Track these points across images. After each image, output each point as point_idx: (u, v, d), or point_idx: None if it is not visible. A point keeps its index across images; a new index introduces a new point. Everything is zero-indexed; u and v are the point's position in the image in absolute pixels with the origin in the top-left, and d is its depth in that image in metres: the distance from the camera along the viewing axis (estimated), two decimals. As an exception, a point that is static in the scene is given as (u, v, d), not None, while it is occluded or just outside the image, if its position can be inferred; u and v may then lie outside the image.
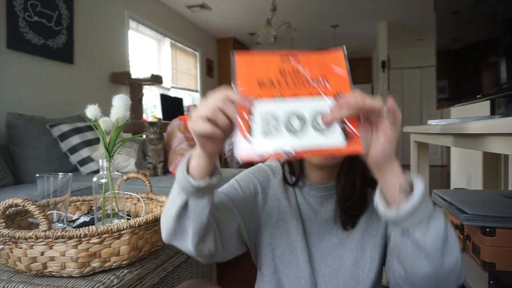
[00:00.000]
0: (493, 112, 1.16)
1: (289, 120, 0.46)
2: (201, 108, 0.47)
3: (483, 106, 1.57)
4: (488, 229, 0.96)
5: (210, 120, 0.46)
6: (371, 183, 0.75)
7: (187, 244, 0.60)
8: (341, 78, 0.50)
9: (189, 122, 0.48)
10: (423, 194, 0.49)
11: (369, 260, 0.71)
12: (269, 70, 0.49)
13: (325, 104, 0.47)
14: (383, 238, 0.72)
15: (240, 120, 0.45)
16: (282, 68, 0.49)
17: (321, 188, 0.77)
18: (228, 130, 0.47)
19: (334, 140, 0.46)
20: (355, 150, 0.46)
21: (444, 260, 0.50)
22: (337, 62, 0.51)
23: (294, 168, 0.81)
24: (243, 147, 0.44)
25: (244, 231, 0.73)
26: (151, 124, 2.16)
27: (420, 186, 0.49)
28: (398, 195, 0.49)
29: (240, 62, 0.49)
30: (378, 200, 0.52)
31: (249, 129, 0.45)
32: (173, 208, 0.57)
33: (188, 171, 0.55)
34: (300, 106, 0.47)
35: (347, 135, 0.46)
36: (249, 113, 0.46)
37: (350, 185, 0.74)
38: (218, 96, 0.47)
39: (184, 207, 0.56)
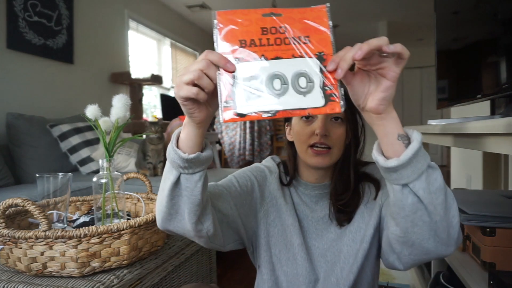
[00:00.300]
0: (493, 112, 1.16)
1: (271, 81, 0.47)
2: (184, 73, 0.47)
3: (483, 106, 1.57)
4: (488, 229, 0.96)
5: (195, 84, 0.47)
6: (362, 178, 0.77)
7: (184, 224, 0.59)
8: (324, 36, 0.50)
9: (174, 89, 0.49)
10: (421, 142, 0.49)
11: (367, 249, 0.71)
12: (251, 28, 0.49)
13: (307, 65, 0.48)
14: (378, 223, 0.72)
15: (223, 82, 0.46)
16: (264, 26, 0.49)
17: (316, 187, 0.79)
18: (213, 93, 0.48)
19: (314, 101, 0.47)
20: (333, 109, 0.47)
21: (447, 212, 0.51)
22: (319, 19, 0.50)
23: (289, 167, 0.82)
24: (226, 109, 0.45)
25: (241, 226, 0.73)
26: (152, 123, 2.16)
27: (417, 135, 0.50)
28: (397, 144, 0.50)
29: (222, 21, 0.49)
30: (376, 153, 0.52)
31: (231, 91, 0.46)
32: (166, 187, 0.57)
33: (178, 146, 0.55)
34: (281, 67, 0.47)
35: (326, 96, 0.47)
36: (231, 76, 0.47)
37: (343, 183, 0.75)
38: (201, 61, 0.47)
39: (176, 184, 0.56)
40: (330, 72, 0.48)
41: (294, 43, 0.49)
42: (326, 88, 0.48)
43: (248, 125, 4.59)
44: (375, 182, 0.76)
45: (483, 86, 1.08)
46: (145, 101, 3.98)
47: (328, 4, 0.51)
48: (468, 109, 2.25)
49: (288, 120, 0.81)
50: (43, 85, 2.60)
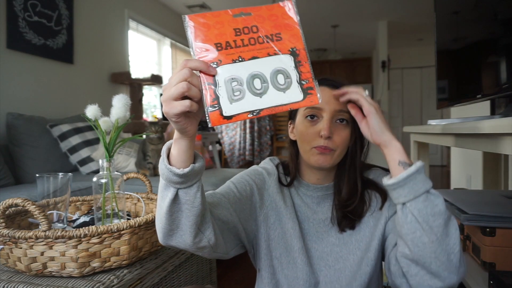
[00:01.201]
0: (493, 112, 1.16)
1: (252, 82, 0.48)
2: (170, 89, 0.46)
3: (483, 106, 1.57)
4: (488, 229, 0.96)
5: (184, 97, 0.46)
6: (369, 185, 0.76)
7: (185, 239, 0.59)
8: (294, 31, 0.52)
9: (164, 107, 0.48)
10: (419, 168, 0.57)
11: (372, 258, 0.71)
12: (225, 31, 0.50)
13: (282, 62, 0.50)
14: (382, 235, 0.73)
15: (205, 87, 0.47)
16: (236, 27, 0.50)
17: (318, 188, 0.78)
18: (200, 100, 0.48)
19: (293, 96, 0.49)
20: (312, 101, 0.50)
21: (447, 238, 0.56)
22: (287, 15, 0.52)
23: (288, 169, 0.81)
24: (212, 113, 0.47)
25: (242, 231, 0.73)
26: (152, 123, 2.16)
27: (418, 163, 0.58)
28: (398, 168, 0.59)
29: (195, 26, 0.49)
30: (385, 178, 0.61)
31: (214, 95, 0.47)
32: (164, 205, 0.56)
33: (170, 163, 0.54)
34: (259, 66, 0.49)
35: (304, 90, 0.50)
36: (213, 80, 0.48)
37: (349, 188, 0.74)
38: (182, 71, 0.46)
39: (175, 200, 0.55)
40: (304, 66, 0.50)
41: (267, 41, 0.50)
42: (303, 82, 0.50)
43: (248, 125, 4.59)
44: (382, 192, 0.75)
45: (483, 86, 1.08)
46: (145, 101, 3.98)
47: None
48: (468, 109, 2.25)
49: (291, 118, 0.80)
50: (43, 85, 2.59)
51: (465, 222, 0.99)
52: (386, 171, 0.77)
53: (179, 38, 4.75)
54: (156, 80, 3.45)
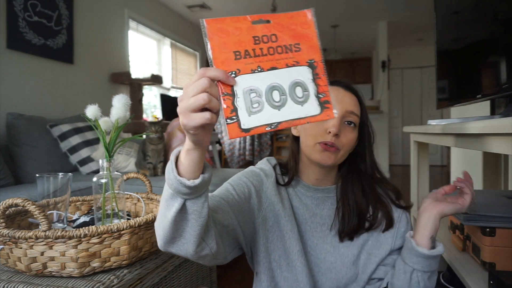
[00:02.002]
0: (493, 112, 1.16)
1: (270, 93, 0.47)
2: (189, 99, 0.43)
3: (483, 106, 1.56)
4: (488, 229, 0.96)
5: (205, 109, 0.43)
6: (378, 203, 0.75)
7: (187, 248, 0.56)
8: (312, 42, 0.51)
9: (181, 119, 0.45)
10: (442, 252, 0.69)
11: (365, 280, 0.73)
12: (243, 38, 0.48)
13: (300, 74, 0.49)
14: (382, 260, 0.74)
15: (223, 98, 0.45)
16: (255, 35, 0.49)
17: (318, 190, 0.77)
18: (218, 111, 0.46)
19: (311, 109, 0.48)
20: (328, 116, 0.49)
21: None
22: (307, 25, 0.51)
23: (287, 168, 0.80)
24: (230, 126, 0.45)
25: (241, 234, 0.71)
26: (152, 123, 2.15)
27: (442, 247, 0.69)
28: (427, 240, 0.68)
29: (213, 31, 0.47)
30: (408, 235, 0.70)
31: (233, 106, 0.45)
32: (170, 214, 0.53)
33: (179, 173, 0.51)
34: (278, 78, 0.48)
35: (321, 103, 0.49)
36: (231, 90, 0.46)
37: (358, 202, 0.74)
38: (201, 81, 0.43)
39: (182, 210, 0.52)
40: (322, 79, 0.49)
41: (286, 52, 0.49)
42: (320, 95, 0.49)
43: (248, 125, 4.58)
44: (389, 219, 0.75)
45: (483, 86, 1.08)
46: (145, 101, 3.98)
47: (313, 8, 0.52)
48: (468, 109, 2.24)
49: None
50: (43, 85, 2.60)
51: (465, 222, 0.99)
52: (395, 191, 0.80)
53: (179, 38, 4.75)
54: (156, 80, 3.45)
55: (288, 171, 0.80)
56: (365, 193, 0.75)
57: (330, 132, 0.69)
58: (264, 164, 0.83)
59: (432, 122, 1.26)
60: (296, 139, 0.79)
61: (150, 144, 2.12)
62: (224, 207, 0.68)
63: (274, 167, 0.82)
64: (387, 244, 0.74)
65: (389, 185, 0.80)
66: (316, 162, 0.73)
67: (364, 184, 0.75)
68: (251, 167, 0.83)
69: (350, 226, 0.73)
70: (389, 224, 0.74)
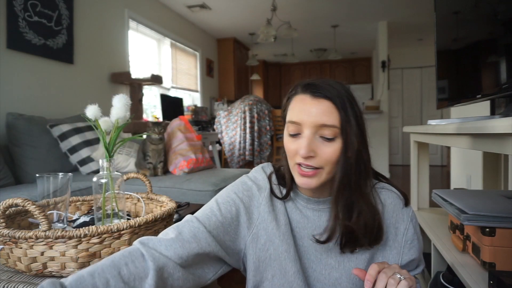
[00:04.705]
0: (493, 112, 1.16)
1: None
2: None
3: (483, 106, 1.57)
4: (488, 229, 0.96)
5: None
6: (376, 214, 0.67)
7: None
8: None
9: None
10: None
11: None
12: None
13: None
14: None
15: None
16: None
17: (319, 201, 0.71)
18: None
19: None
20: None
21: None
22: None
23: (285, 179, 0.73)
24: None
25: (226, 255, 0.67)
26: (155, 124, 2.16)
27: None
28: None
29: None
30: None
31: None
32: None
33: None
34: None
35: None
36: None
37: (347, 212, 0.65)
38: None
39: None
40: None
41: None
42: None
43: (248, 125, 4.58)
44: (378, 236, 0.67)
45: (483, 86, 1.08)
46: (145, 101, 3.98)
47: None
48: (468, 109, 2.25)
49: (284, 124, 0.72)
50: (43, 85, 2.60)
51: (465, 222, 0.99)
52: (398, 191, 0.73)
53: (179, 38, 4.75)
54: (156, 80, 3.46)
55: (286, 185, 0.73)
56: (355, 203, 0.66)
57: (300, 155, 0.62)
58: (259, 174, 0.76)
59: (432, 122, 1.26)
60: None
61: (150, 144, 2.12)
62: (201, 235, 0.63)
63: (269, 177, 0.75)
64: (393, 260, 0.69)
65: (396, 189, 0.73)
66: (299, 185, 0.66)
67: (359, 194, 0.66)
68: (244, 178, 0.76)
69: (348, 238, 0.67)
70: (377, 238, 0.67)
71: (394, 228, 0.70)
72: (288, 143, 0.66)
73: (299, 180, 0.65)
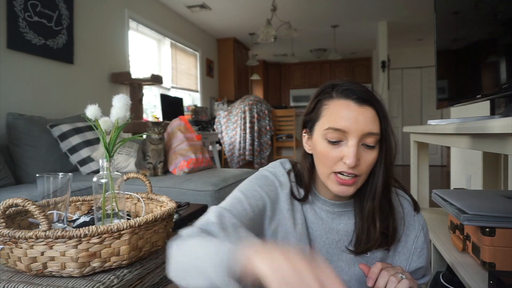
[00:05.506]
0: (493, 112, 1.16)
1: None
2: None
3: (483, 106, 1.56)
4: (488, 229, 0.96)
5: None
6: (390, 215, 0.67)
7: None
8: None
9: None
10: None
11: None
12: None
13: None
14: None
15: None
16: None
17: (336, 204, 0.71)
18: None
19: None
20: None
21: None
22: None
23: (301, 177, 0.72)
24: None
25: None
26: (155, 124, 2.15)
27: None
28: None
29: None
30: None
31: None
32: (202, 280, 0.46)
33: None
34: None
35: None
36: None
37: (369, 217, 0.67)
38: None
39: None
40: None
41: None
42: None
43: (248, 125, 4.58)
44: (393, 239, 0.68)
45: (483, 86, 1.08)
46: (145, 101, 3.98)
47: None
48: (468, 109, 2.25)
49: (307, 126, 0.70)
50: (43, 85, 2.60)
51: (465, 222, 0.99)
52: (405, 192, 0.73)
53: (179, 38, 4.75)
54: (156, 80, 3.46)
55: (304, 187, 0.72)
56: (383, 206, 0.67)
57: (346, 163, 0.61)
58: (278, 169, 0.74)
59: (432, 122, 1.26)
60: (309, 154, 0.71)
61: (150, 144, 2.12)
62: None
63: (288, 174, 0.74)
64: (401, 265, 0.69)
65: (407, 195, 0.73)
66: (334, 193, 0.65)
67: (382, 197, 0.66)
68: (264, 172, 0.74)
69: (368, 240, 0.67)
70: (391, 240, 0.68)
71: (405, 235, 0.70)
72: (328, 151, 0.63)
73: (336, 188, 0.63)
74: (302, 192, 0.72)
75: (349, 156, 0.60)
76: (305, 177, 0.71)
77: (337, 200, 0.70)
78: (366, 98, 0.62)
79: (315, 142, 0.66)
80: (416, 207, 0.72)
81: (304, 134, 0.72)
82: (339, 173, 0.62)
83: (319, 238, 0.70)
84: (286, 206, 0.70)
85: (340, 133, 0.61)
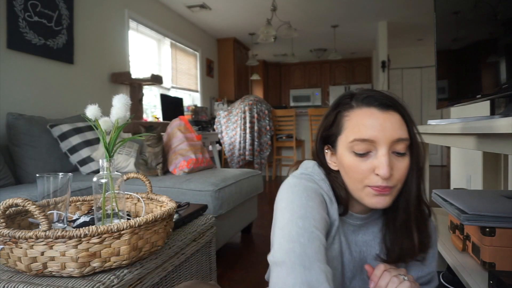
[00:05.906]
0: (493, 112, 1.16)
1: None
2: None
3: (483, 106, 1.57)
4: (488, 229, 0.96)
5: None
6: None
7: None
8: None
9: None
10: None
11: None
12: None
13: None
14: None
15: None
16: None
17: (359, 218, 0.68)
18: None
19: None
20: None
21: None
22: None
23: (337, 196, 0.66)
24: None
25: None
26: (148, 128, 2.13)
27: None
28: None
29: None
30: None
31: None
32: None
33: None
34: None
35: None
36: None
37: (401, 225, 0.64)
38: None
39: None
40: None
41: None
42: None
43: (248, 125, 4.58)
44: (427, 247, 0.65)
45: (483, 86, 1.08)
46: (145, 101, 3.98)
47: None
48: (468, 109, 2.25)
49: (328, 142, 0.66)
50: (43, 85, 2.60)
51: (465, 222, 0.99)
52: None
53: (179, 38, 4.75)
54: (156, 80, 3.46)
55: (343, 202, 0.66)
56: (410, 216, 0.63)
57: (379, 175, 0.57)
58: (322, 182, 0.66)
59: (432, 122, 1.26)
60: (337, 171, 0.66)
61: (147, 146, 2.12)
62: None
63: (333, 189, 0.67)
64: (414, 270, 0.69)
65: (428, 209, 0.68)
66: (370, 207, 0.61)
67: (410, 207, 0.63)
68: (313, 187, 0.63)
69: (402, 251, 0.63)
70: (419, 249, 0.65)
71: None
72: (357, 164, 0.59)
73: (371, 200, 0.59)
74: (342, 208, 0.66)
75: (382, 166, 0.56)
76: (340, 191, 0.65)
77: (362, 213, 0.67)
78: (389, 103, 0.59)
79: (341, 157, 0.62)
80: (429, 211, 0.68)
81: (326, 151, 0.67)
82: (374, 187, 0.59)
83: (347, 251, 0.67)
84: (335, 223, 0.65)
85: (367, 144, 0.58)
